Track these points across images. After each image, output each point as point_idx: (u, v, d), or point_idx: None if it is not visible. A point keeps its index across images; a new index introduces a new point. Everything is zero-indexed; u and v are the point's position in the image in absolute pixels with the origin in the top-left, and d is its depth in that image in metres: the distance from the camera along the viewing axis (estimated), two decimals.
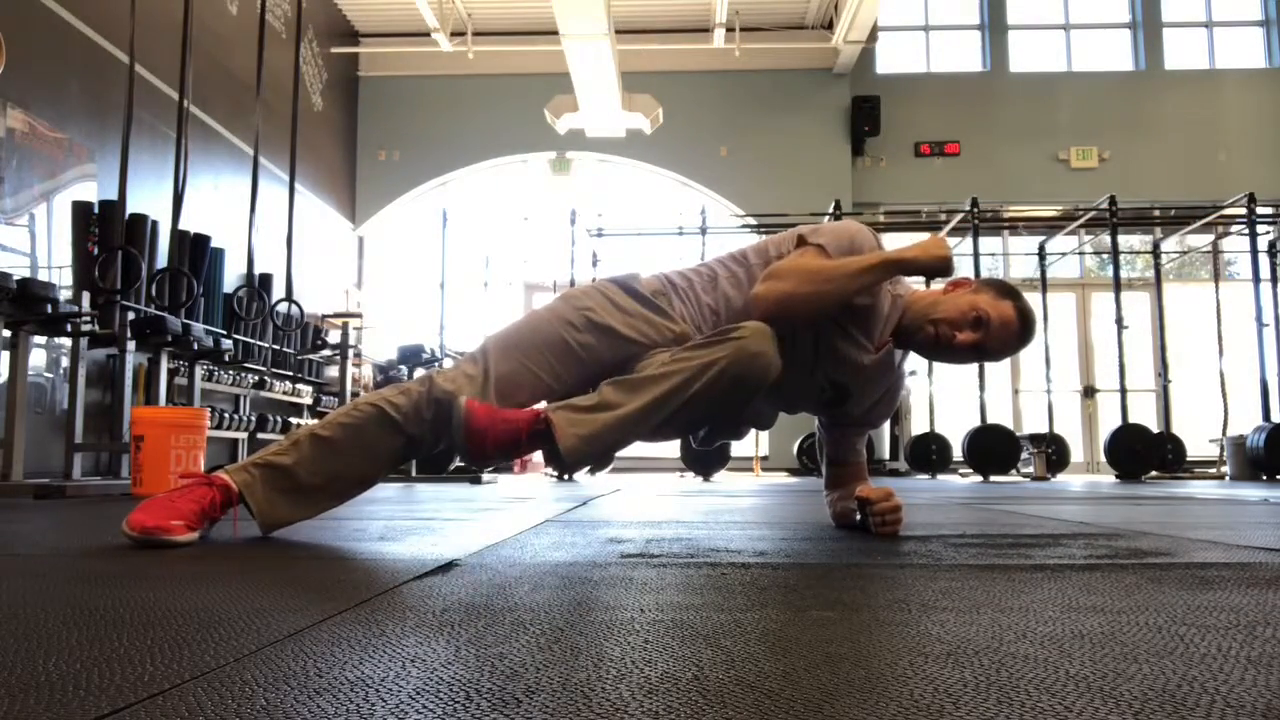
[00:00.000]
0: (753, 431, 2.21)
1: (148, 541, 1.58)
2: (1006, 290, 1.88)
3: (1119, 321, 7.86)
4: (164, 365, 5.21)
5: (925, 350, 1.91)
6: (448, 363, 7.47)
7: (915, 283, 2.00)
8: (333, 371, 8.12)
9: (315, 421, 1.85)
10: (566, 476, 7.01)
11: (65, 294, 4.47)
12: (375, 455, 1.78)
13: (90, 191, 5.60)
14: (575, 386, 1.83)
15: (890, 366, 2.00)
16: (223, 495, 1.68)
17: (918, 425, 9.06)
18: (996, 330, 1.83)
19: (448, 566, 1.38)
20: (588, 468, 6.86)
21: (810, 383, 1.94)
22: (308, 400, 7.90)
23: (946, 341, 1.85)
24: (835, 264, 1.79)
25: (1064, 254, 9.82)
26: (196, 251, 6.00)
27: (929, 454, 8.33)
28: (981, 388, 7.90)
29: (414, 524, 2.26)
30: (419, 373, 7.33)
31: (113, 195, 4.86)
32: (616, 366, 1.84)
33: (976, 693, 0.63)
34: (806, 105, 10.35)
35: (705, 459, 7.32)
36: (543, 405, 1.76)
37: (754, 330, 1.71)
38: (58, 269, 5.30)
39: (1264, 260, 8.05)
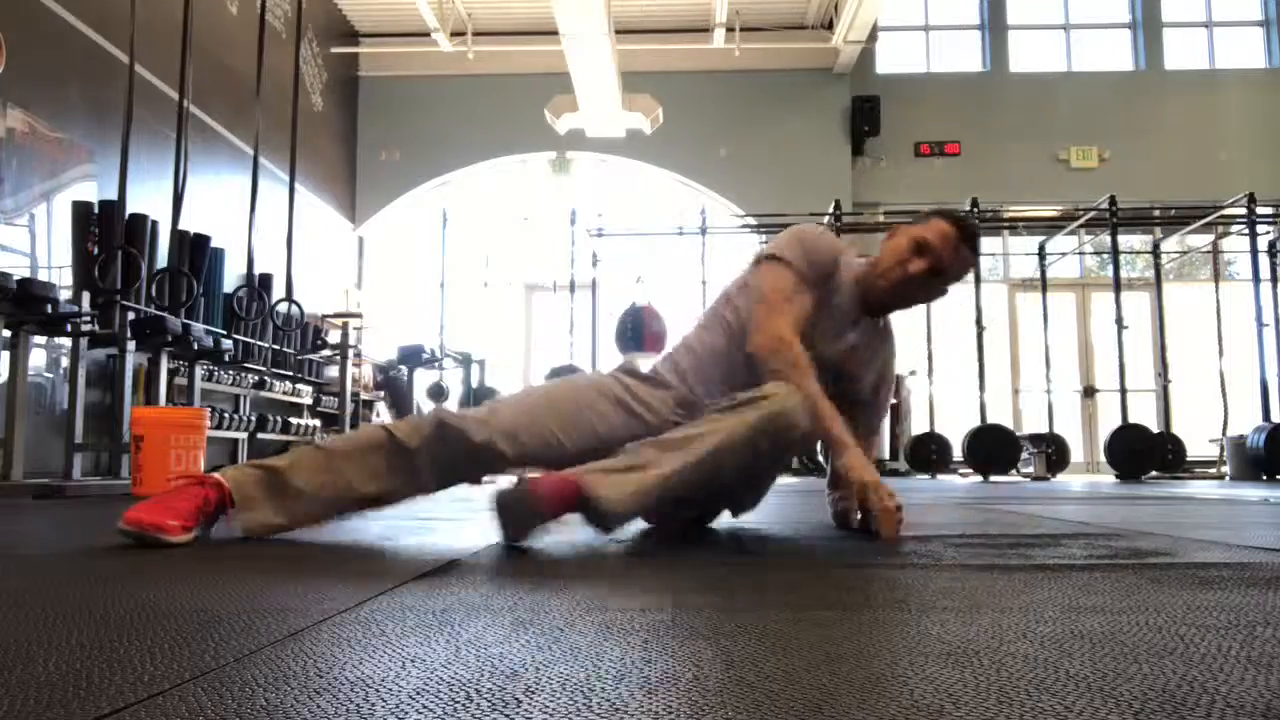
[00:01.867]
0: None
1: (142, 539, 1.57)
2: (932, 212, 1.93)
3: (1119, 321, 7.86)
4: (164, 365, 5.21)
5: (893, 299, 1.95)
6: (448, 362, 7.47)
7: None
8: (333, 371, 8.12)
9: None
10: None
11: (65, 294, 4.47)
12: (369, 471, 1.74)
13: (90, 191, 5.60)
14: (582, 449, 1.81)
15: (881, 336, 2.04)
16: (217, 494, 1.67)
17: (918, 425, 9.06)
18: (939, 246, 1.88)
19: (448, 566, 1.38)
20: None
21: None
22: (308, 400, 7.89)
23: (902, 279, 1.89)
24: (822, 410, 1.81)
25: (1064, 254, 9.81)
26: (196, 251, 5.99)
27: (929, 454, 8.33)
28: (981, 388, 7.90)
29: (414, 524, 2.26)
30: (419, 373, 7.34)
31: (113, 195, 4.86)
32: (621, 441, 1.82)
33: (976, 693, 0.63)
34: (806, 105, 10.35)
35: None
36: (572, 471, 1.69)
37: (782, 391, 1.73)
38: (58, 269, 5.30)
39: (1264, 260, 8.04)
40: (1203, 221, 8.58)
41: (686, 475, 1.65)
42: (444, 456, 1.75)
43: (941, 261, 1.89)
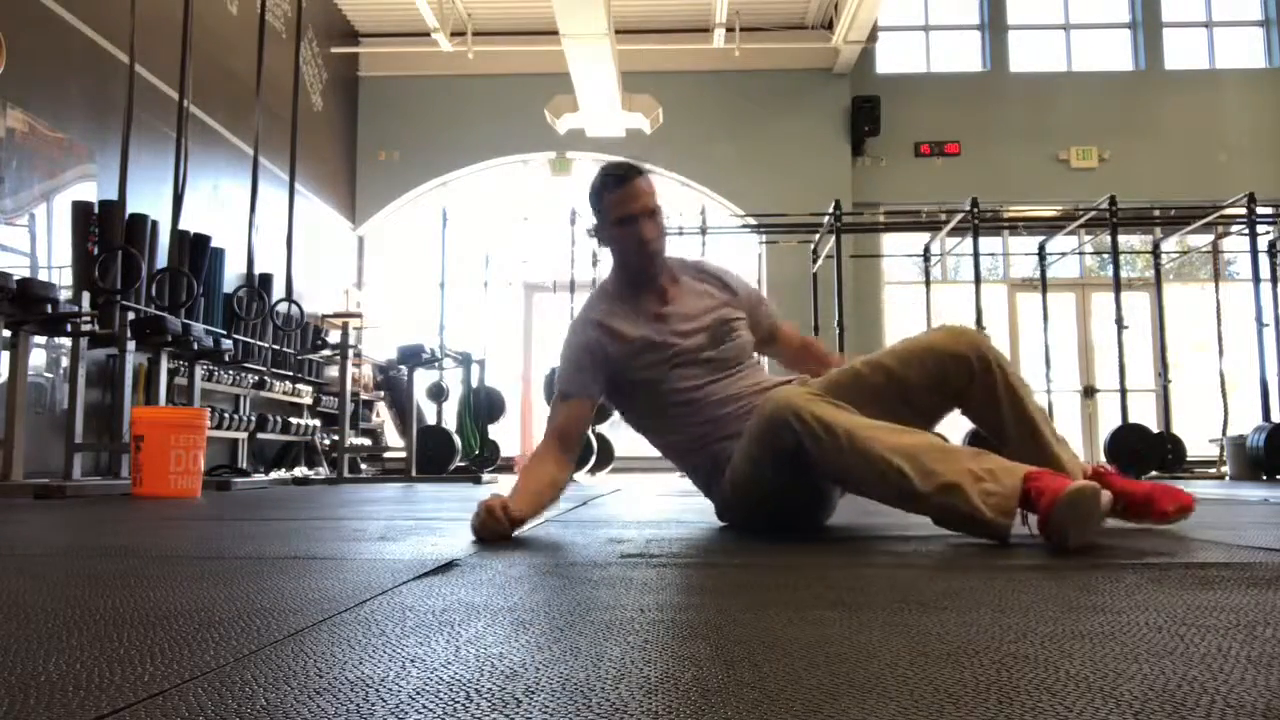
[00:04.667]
0: None
1: None
2: (598, 191, 2.09)
3: (1119, 321, 7.85)
4: (164, 365, 5.21)
5: (646, 255, 2.08)
6: (448, 362, 7.45)
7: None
8: (333, 371, 8.12)
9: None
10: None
11: (65, 294, 4.47)
12: None
13: (90, 191, 5.60)
14: None
15: (695, 287, 2.19)
16: None
17: None
18: (633, 208, 2.02)
19: (448, 566, 1.38)
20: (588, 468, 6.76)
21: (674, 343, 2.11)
22: (308, 400, 7.89)
23: (644, 244, 2.05)
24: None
25: (1064, 254, 9.81)
26: (196, 251, 5.99)
27: None
28: None
29: (414, 524, 2.26)
30: (419, 373, 7.33)
31: (113, 195, 4.86)
32: None
33: (977, 693, 0.63)
34: (806, 105, 10.34)
35: None
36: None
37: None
38: (58, 269, 5.30)
39: (1264, 260, 8.04)
40: (1203, 221, 8.58)
41: None
42: None
43: (640, 209, 2.04)
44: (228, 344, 5.78)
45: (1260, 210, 7.94)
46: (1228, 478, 7.72)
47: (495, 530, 1.82)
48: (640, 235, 2.05)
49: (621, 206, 2.05)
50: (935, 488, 1.61)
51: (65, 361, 5.09)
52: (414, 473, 6.60)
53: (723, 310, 2.16)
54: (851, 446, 1.66)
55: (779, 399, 1.77)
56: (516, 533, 1.97)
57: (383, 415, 9.13)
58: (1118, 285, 7.94)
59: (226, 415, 6.09)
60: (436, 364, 7.35)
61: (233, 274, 6.74)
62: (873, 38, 9.72)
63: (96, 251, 4.90)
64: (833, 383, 1.96)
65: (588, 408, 2.09)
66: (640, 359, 2.06)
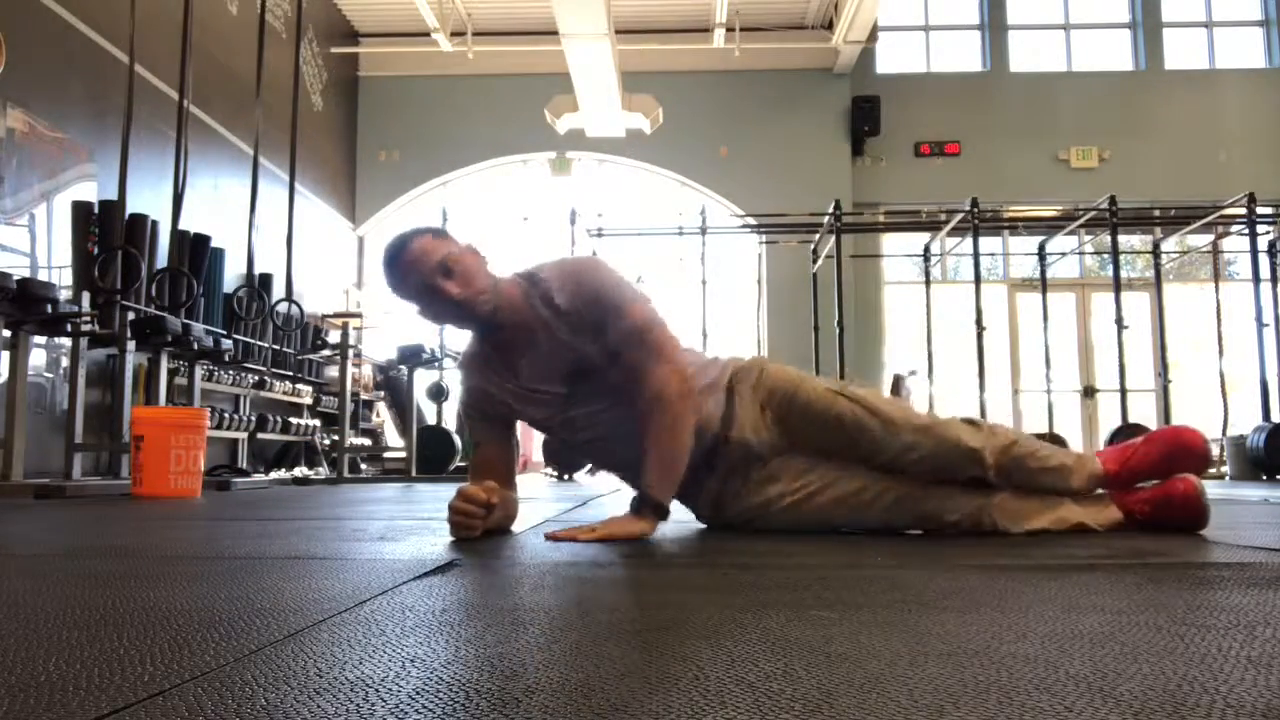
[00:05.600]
0: None
1: None
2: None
3: (1119, 321, 7.85)
4: (164, 365, 5.21)
5: (466, 308, 1.89)
6: (448, 362, 7.44)
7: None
8: (333, 371, 8.12)
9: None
10: (566, 477, 7.00)
11: (65, 294, 4.47)
12: None
13: (90, 191, 5.60)
14: None
15: (539, 325, 1.93)
16: None
17: None
18: (395, 281, 1.89)
19: (448, 566, 1.38)
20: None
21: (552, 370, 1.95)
22: (308, 400, 7.89)
23: (453, 301, 1.85)
24: None
25: (1064, 254, 9.81)
26: (196, 251, 5.99)
27: None
28: (981, 388, 7.90)
29: (414, 524, 2.26)
30: (419, 373, 7.32)
31: (113, 195, 4.86)
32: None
33: (976, 692, 0.63)
34: (806, 105, 10.34)
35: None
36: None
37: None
38: (58, 269, 5.30)
39: (1264, 260, 8.04)
40: (1203, 221, 8.58)
41: None
42: None
43: (430, 271, 1.86)
44: (228, 344, 5.78)
45: (1260, 210, 7.94)
46: (1228, 478, 7.72)
47: (472, 513, 1.71)
48: (444, 294, 1.85)
49: (411, 278, 1.87)
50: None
51: (65, 361, 5.09)
52: (414, 473, 6.60)
53: (579, 347, 1.93)
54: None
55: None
56: (516, 530, 1.97)
57: (383, 415, 9.12)
58: (1118, 285, 7.94)
59: (226, 415, 6.09)
60: (436, 364, 7.35)
61: (233, 274, 6.74)
62: (873, 38, 9.73)
63: (96, 251, 4.91)
64: (824, 415, 1.95)
65: (503, 446, 2.03)
66: (519, 412, 1.99)
